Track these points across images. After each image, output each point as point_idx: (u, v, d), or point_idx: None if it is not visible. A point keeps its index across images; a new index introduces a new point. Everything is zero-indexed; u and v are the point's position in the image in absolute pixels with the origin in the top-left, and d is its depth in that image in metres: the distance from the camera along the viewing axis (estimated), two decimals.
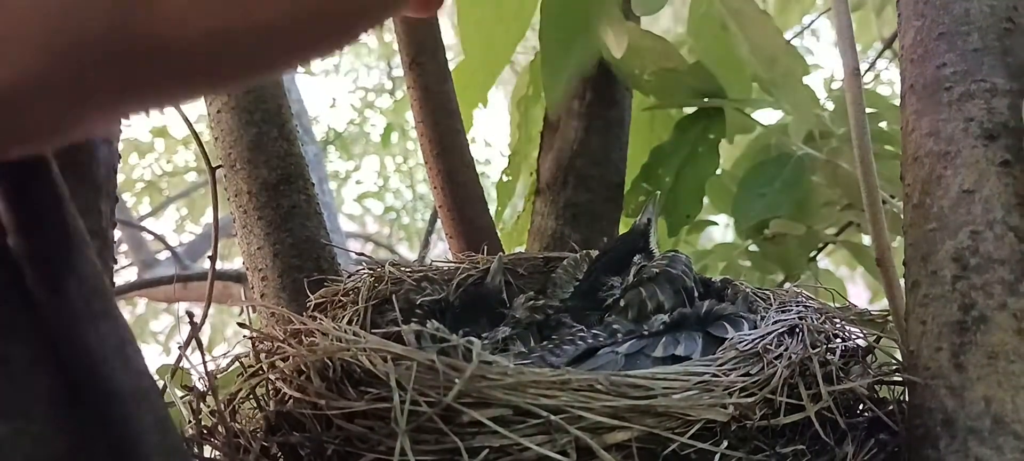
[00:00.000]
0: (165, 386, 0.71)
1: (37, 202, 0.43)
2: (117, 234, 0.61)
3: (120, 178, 0.60)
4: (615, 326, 0.77)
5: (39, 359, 0.43)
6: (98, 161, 0.56)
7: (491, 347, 0.74)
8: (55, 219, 0.43)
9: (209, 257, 0.92)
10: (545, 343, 0.76)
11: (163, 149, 4.34)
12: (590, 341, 0.74)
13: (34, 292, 0.42)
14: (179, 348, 0.72)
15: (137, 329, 3.97)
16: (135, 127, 4.16)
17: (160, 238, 3.08)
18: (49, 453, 0.43)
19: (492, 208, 1.20)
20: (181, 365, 0.71)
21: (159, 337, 4.06)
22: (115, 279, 0.59)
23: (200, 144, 0.98)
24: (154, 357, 3.94)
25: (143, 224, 3.74)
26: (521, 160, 1.40)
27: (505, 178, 1.41)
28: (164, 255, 3.44)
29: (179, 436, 0.51)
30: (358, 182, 4.96)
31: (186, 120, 0.98)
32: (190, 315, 0.71)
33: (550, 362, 0.70)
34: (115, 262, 0.59)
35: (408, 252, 4.50)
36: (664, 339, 0.71)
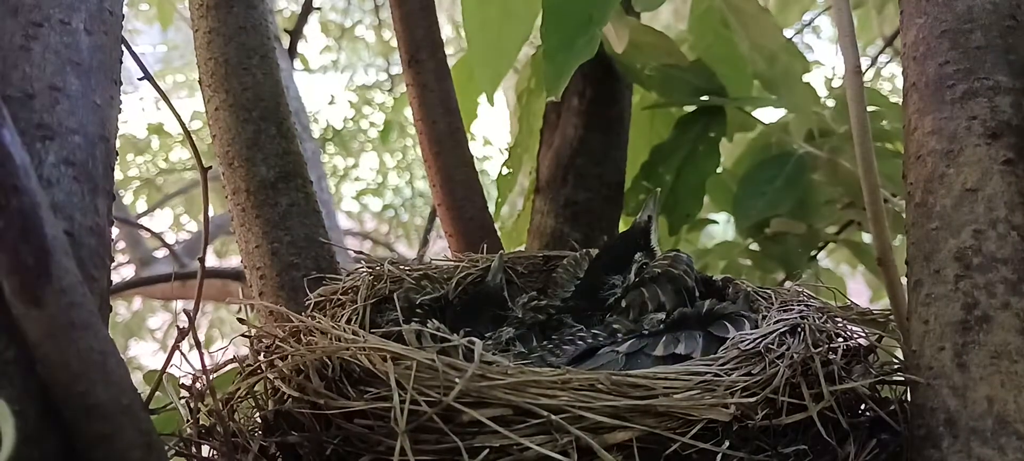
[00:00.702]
0: (159, 387, 0.70)
1: (13, 213, 0.41)
2: (114, 231, 0.60)
3: (117, 175, 0.59)
4: (615, 326, 0.77)
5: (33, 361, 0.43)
6: (95, 158, 0.55)
7: (493, 347, 0.73)
8: (33, 230, 0.42)
9: (198, 259, 0.90)
10: (545, 343, 0.76)
11: (159, 146, 4.32)
12: (590, 341, 0.74)
13: (12, 305, 0.42)
14: (174, 348, 0.71)
15: (134, 326, 3.97)
16: (132, 124, 4.13)
17: (157, 235, 3.07)
18: (41, 452, 0.42)
19: (491, 206, 1.19)
20: (176, 365, 0.71)
21: (156, 334, 4.05)
22: (111, 277, 0.58)
23: (193, 144, 0.97)
24: (150, 354, 3.94)
25: (140, 221, 3.72)
26: (522, 152, 1.39)
27: (505, 171, 1.40)
28: (161, 252, 3.43)
29: (164, 452, 0.50)
30: (356, 179, 4.95)
31: (179, 119, 0.96)
32: (188, 314, 0.70)
33: (550, 362, 0.70)
34: (112, 260, 0.58)
35: (407, 249, 4.48)
36: (664, 338, 0.70)
